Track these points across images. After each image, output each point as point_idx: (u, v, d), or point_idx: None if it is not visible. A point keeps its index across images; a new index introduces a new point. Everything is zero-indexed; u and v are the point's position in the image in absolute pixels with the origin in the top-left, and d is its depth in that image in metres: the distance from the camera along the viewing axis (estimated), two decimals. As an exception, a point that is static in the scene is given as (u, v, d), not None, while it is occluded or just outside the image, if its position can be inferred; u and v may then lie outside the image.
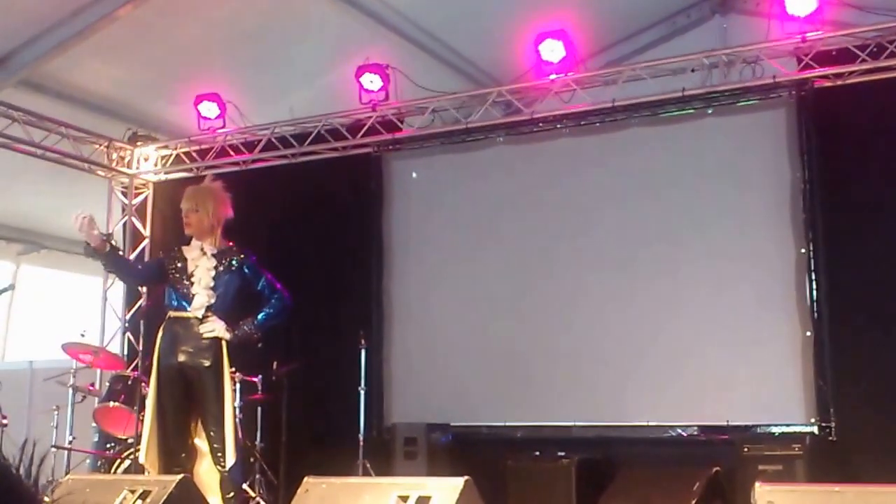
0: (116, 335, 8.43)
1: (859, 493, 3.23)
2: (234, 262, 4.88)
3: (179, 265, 4.89)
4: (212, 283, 4.82)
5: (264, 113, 7.96)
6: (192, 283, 4.82)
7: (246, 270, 4.91)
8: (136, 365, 7.74)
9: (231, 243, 4.97)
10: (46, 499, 5.95)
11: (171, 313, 4.88)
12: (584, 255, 6.95)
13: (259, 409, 6.71)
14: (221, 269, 4.86)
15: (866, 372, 5.92)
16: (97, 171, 8.43)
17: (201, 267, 4.85)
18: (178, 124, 8.44)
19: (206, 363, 4.75)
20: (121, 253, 4.88)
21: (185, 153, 8.36)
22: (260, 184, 7.78)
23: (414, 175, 7.68)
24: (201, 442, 4.84)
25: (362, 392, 6.68)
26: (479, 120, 7.27)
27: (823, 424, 6.02)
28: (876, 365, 5.90)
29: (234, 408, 5.09)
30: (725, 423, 6.24)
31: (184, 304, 4.82)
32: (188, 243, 4.95)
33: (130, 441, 6.28)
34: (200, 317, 4.79)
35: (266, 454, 6.62)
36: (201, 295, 4.81)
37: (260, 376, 6.65)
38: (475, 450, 6.62)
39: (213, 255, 4.88)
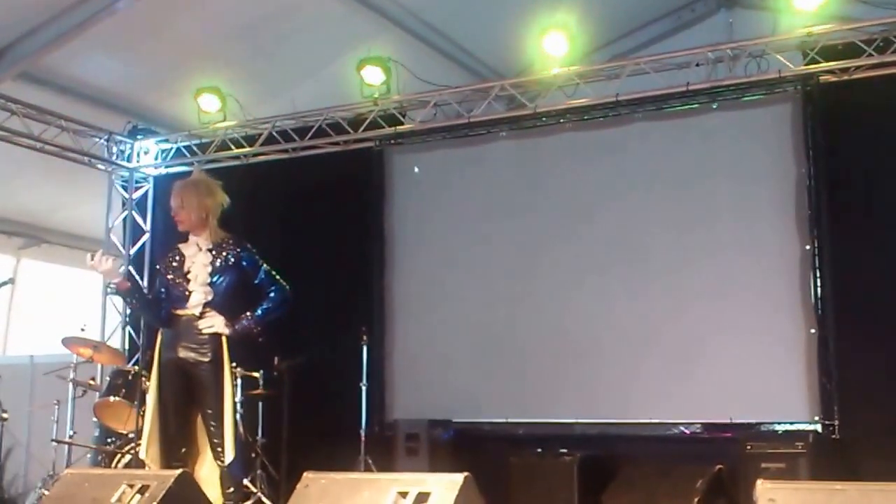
0: (117, 330, 8.41)
1: (862, 492, 3.18)
2: (231, 256, 4.84)
3: (175, 264, 4.86)
4: (209, 280, 4.79)
5: (265, 107, 7.93)
6: (188, 281, 4.79)
7: (244, 264, 4.87)
8: (137, 360, 7.74)
9: (228, 235, 4.93)
10: (45, 492, 5.95)
11: (172, 311, 4.85)
12: (587, 250, 6.90)
13: (260, 404, 6.69)
14: (218, 263, 4.82)
15: (870, 370, 5.87)
16: (97, 164, 8.41)
17: (198, 263, 4.82)
18: (178, 118, 8.41)
19: (206, 358, 4.73)
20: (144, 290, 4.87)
21: (185, 147, 8.33)
22: (261, 178, 7.76)
23: (416, 170, 7.64)
24: (202, 437, 4.82)
25: (364, 388, 6.66)
26: (481, 114, 7.22)
27: (827, 422, 5.98)
28: (880, 363, 5.85)
29: (235, 403, 5.07)
30: (729, 421, 6.21)
31: (182, 302, 4.79)
32: (186, 240, 4.92)
33: (131, 436, 6.27)
34: (198, 314, 4.76)
35: (267, 450, 6.60)
36: (198, 292, 4.78)
37: (261, 371, 6.63)
38: (477, 446, 6.60)
39: (209, 250, 4.84)
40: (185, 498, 4.00)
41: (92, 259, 4.71)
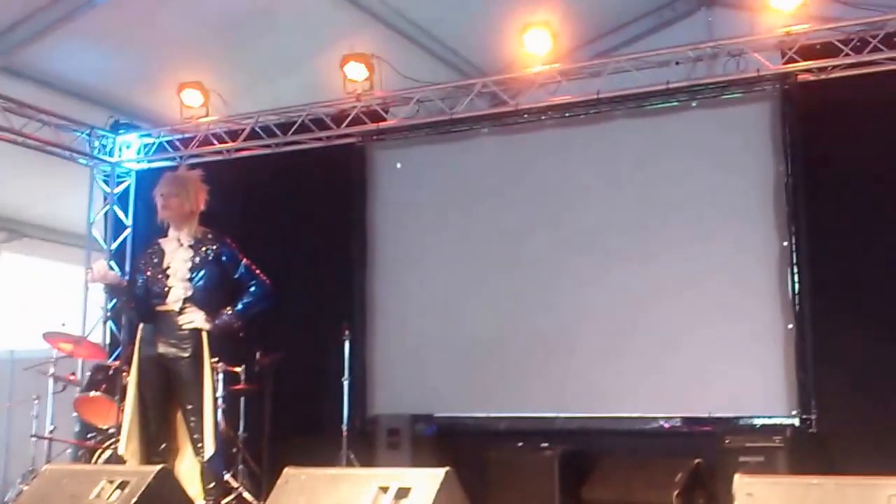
0: (97, 325, 8.37)
1: (838, 485, 3.24)
2: (211, 252, 4.85)
3: (155, 260, 4.85)
4: (188, 275, 4.79)
5: (248, 102, 7.91)
6: (168, 277, 4.79)
7: (224, 258, 4.87)
8: (118, 355, 7.71)
9: (208, 230, 4.93)
10: (24, 488, 5.93)
11: (152, 306, 4.85)
12: (568, 246, 6.94)
13: (242, 399, 6.69)
14: (198, 259, 4.82)
15: (847, 364, 5.94)
16: (79, 159, 8.36)
17: (177, 259, 4.82)
18: (160, 112, 8.38)
19: (186, 354, 4.72)
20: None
21: (167, 142, 8.30)
22: (243, 173, 7.74)
23: (398, 166, 7.65)
24: (182, 433, 4.82)
25: (345, 383, 6.67)
26: (463, 111, 7.24)
27: (804, 417, 6.04)
28: (857, 357, 5.92)
29: (216, 398, 5.07)
30: (707, 415, 6.25)
31: (162, 297, 4.79)
32: (166, 235, 4.92)
33: (111, 431, 6.26)
34: (178, 309, 4.76)
35: (249, 445, 6.60)
36: (178, 288, 4.78)
37: (243, 367, 6.63)
38: (459, 441, 6.62)
39: (190, 246, 4.84)
40: (165, 494, 4.02)
41: (91, 274, 4.76)
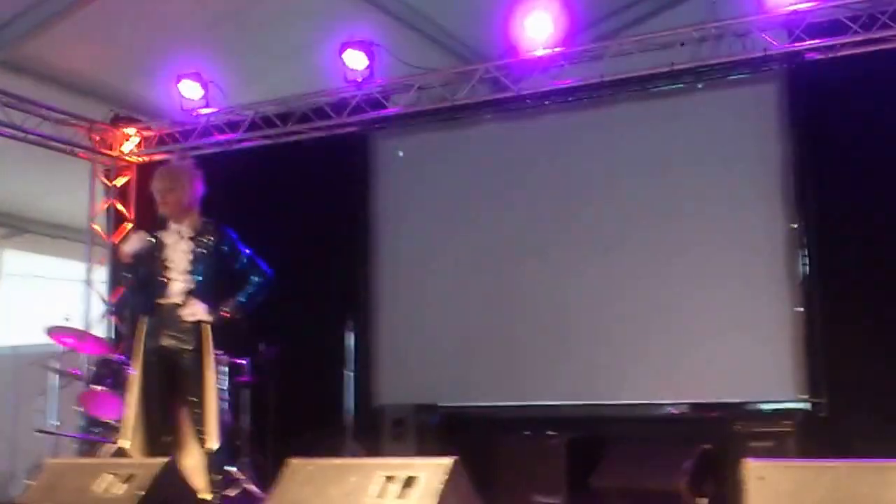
0: (101, 319, 8.35)
1: (851, 469, 3.19)
2: (211, 243, 4.82)
3: (156, 253, 4.82)
4: (189, 268, 4.76)
5: (247, 93, 7.87)
6: (169, 269, 4.76)
7: (225, 249, 4.85)
8: (122, 349, 7.69)
9: (209, 221, 4.89)
10: (31, 483, 5.91)
11: (154, 299, 4.81)
12: (573, 232, 6.89)
13: (246, 391, 6.66)
14: (199, 251, 4.80)
15: (857, 348, 5.88)
16: (79, 153, 8.33)
17: (178, 251, 4.79)
18: (160, 105, 8.35)
19: (189, 346, 4.71)
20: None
21: (167, 134, 8.26)
22: (244, 165, 7.70)
23: (400, 154, 7.60)
24: (187, 425, 4.79)
25: (349, 374, 6.63)
26: (465, 97, 7.17)
27: (814, 401, 5.98)
28: (867, 341, 5.86)
29: (220, 390, 5.04)
30: (716, 401, 6.20)
31: (164, 290, 4.75)
32: (165, 228, 4.88)
33: (116, 425, 6.24)
34: (180, 302, 4.73)
35: (253, 437, 6.57)
36: (179, 281, 4.76)
37: (247, 358, 6.60)
38: (464, 430, 6.57)
39: (191, 238, 4.82)
40: (172, 486, 4.00)
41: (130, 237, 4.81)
